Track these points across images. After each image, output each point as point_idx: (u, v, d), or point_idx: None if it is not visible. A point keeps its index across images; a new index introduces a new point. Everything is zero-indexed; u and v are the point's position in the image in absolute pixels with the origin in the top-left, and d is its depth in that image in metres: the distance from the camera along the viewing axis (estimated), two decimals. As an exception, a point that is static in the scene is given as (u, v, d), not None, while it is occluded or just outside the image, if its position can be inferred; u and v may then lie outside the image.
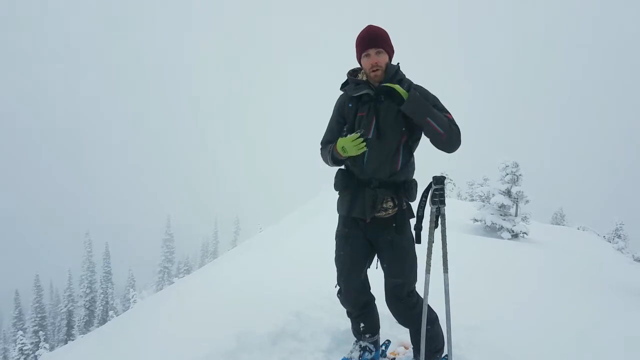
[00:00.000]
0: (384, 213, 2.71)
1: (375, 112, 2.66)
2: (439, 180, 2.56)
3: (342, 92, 2.88)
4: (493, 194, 15.66)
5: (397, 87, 2.52)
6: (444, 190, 2.56)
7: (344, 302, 3.02)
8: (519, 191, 15.25)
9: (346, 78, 2.83)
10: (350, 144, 2.57)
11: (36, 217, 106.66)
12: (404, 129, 2.63)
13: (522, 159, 16.19)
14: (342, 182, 2.82)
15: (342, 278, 2.93)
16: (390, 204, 2.70)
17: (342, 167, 2.87)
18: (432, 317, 2.90)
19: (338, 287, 2.99)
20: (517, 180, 15.51)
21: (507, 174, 15.57)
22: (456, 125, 2.59)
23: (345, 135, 2.67)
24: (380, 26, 2.73)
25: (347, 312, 3.11)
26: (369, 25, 2.72)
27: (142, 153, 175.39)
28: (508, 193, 15.42)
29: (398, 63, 2.75)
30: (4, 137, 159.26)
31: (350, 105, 2.76)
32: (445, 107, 2.66)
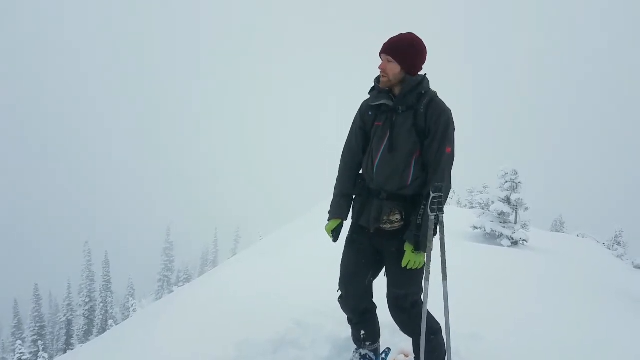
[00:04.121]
0: (389, 226, 2.72)
1: (391, 123, 2.69)
2: (437, 188, 2.58)
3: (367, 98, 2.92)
4: (492, 202, 15.67)
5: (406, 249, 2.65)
6: (442, 198, 2.58)
7: (343, 306, 3.03)
8: (519, 198, 15.26)
9: (373, 84, 2.85)
10: (326, 229, 2.92)
11: (36, 225, 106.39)
12: (417, 144, 2.64)
13: (522, 166, 16.24)
14: (357, 188, 2.87)
15: (343, 283, 2.96)
16: (398, 217, 2.70)
17: (360, 172, 2.93)
18: (436, 328, 2.90)
19: (340, 293, 3.01)
20: (517, 188, 15.52)
21: (507, 182, 15.59)
22: (447, 168, 2.63)
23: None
24: (411, 36, 2.71)
25: (348, 319, 3.11)
26: (399, 34, 2.75)
27: (143, 160, 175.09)
28: (507, 200, 15.43)
29: (425, 74, 2.75)
30: (8, 142, 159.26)
31: (370, 113, 2.81)
32: (453, 137, 2.65)
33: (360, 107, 2.92)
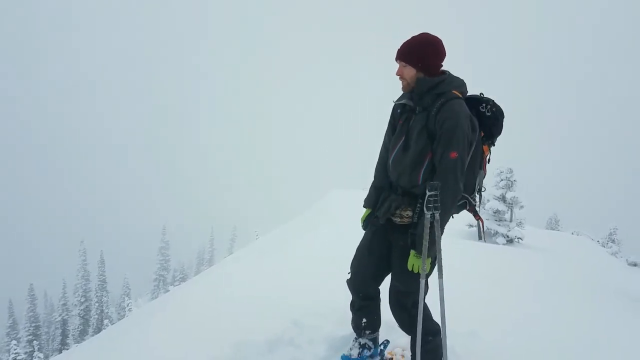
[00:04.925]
0: (399, 219, 2.81)
1: (408, 124, 2.75)
2: (433, 187, 2.58)
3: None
4: (488, 200, 15.73)
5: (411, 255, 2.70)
6: (438, 197, 2.58)
7: (350, 286, 3.14)
8: (514, 197, 15.33)
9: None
10: (361, 218, 3.10)
11: (32, 224, 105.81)
12: (428, 145, 2.64)
13: (517, 164, 16.31)
14: (387, 182, 2.97)
15: (355, 263, 3.10)
16: (409, 213, 2.77)
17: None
18: (435, 330, 2.91)
19: (350, 274, 3.12)
20: (512, 186, 15.60)
21: (502, 180, 15.66)
22: (450, 172, 2.57)
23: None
24: (421, 37, 2.69)
25: (351, 304, 3.18)
26: (411, 37, 2.74)
27: (141, 159, 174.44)
28: (503, 198, 15.50)
29: (447, 73, 2.72)
30: (6, 141, 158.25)
31: (398, 111, 2.90)
32: (461, 142, 2.57)
33: (393, 106, 3.00)
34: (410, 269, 2.68)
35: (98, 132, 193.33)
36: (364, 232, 3.14)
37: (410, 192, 2.75)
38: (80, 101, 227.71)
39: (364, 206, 3.10)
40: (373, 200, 3.02)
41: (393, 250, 2.89)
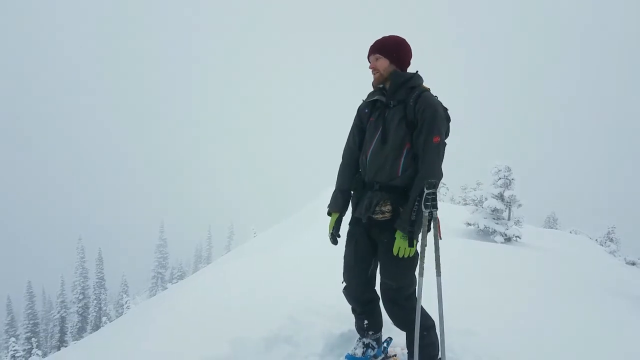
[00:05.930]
0: (380, 216, 2.79)
1: (383, 118, 2.79)
2: (431, 185, 2.58)
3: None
4: (486, 198, 15.71)
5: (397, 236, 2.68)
6: (436, 195, 2.59)
7: (347, 297, 3.15)
8: (512, 195, 15.32)
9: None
10: (329, 225, 3.03)
11: (29, 221, 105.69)
12: (407, 135, 2.72)
13: (515, 162, 16.29)
14: (354, 184, 3.00)
15: (346, 274, 3.08)
16: (389, 207, 2.77)
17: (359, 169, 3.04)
18: (429, 324, 2.93)
19: (344, 284, 3.12)
20: (510, 184, 15.58)
21: (500, 178, 15.64)
22: (435, 157, 2.65)
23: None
24: (394, 36, 2.87)
25: (352, 309, 3.22)
26: (382, 36, 2.89)
27: (139, 157, 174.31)
28: (501, 197, 15.48)
29: (417, 71, 2.86)
30: (8, 138, 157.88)
31: (366, 110, 2.95)
32: (441, 127, 2.69)
33: (358, 107, 3.04)
34: (395, 252, 2.69)
35: (97, 132, 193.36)
36: (344, 239, 3.10)
37: (389, 185, 2.77)
38: (79, 101, 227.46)
39: (329, 212, 3.06)
40: (340, 204, 3.02)
41: (378, 247, 2.90)
